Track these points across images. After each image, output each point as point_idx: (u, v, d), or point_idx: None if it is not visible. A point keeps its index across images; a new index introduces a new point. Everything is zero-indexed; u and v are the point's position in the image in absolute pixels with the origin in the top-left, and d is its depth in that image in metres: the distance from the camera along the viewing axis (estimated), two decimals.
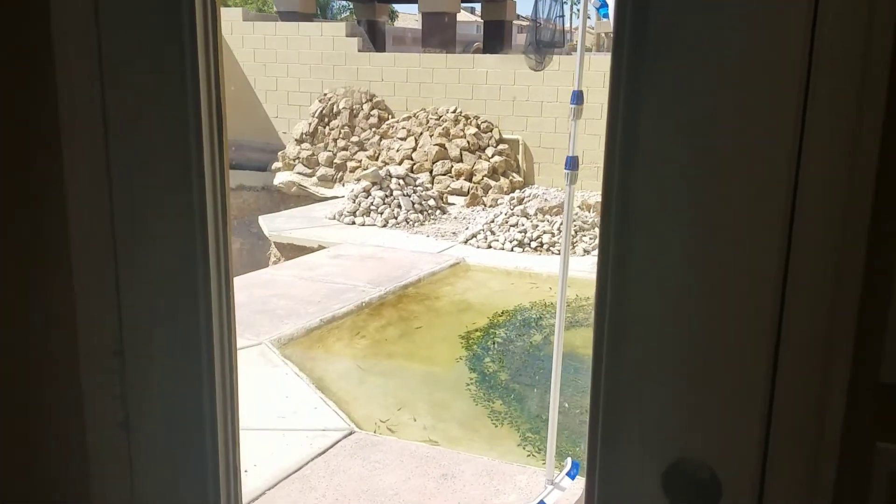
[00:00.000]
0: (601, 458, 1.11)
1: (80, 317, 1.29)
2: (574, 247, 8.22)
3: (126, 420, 1.37)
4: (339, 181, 12.54)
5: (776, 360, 0.97)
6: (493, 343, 5.81)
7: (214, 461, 1.36)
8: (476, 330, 6.08)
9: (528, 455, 4.30)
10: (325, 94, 13.16)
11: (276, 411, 4.53)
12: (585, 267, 7.62)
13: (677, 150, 0.94)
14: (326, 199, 11.75)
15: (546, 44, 3.08)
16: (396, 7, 29.23)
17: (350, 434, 4.29)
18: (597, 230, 8.61)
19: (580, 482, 3.76)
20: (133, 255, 1.24)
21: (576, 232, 8.40)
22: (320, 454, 4.09)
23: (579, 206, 9.47)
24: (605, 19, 3.65)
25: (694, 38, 0.90)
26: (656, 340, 1.03)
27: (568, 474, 3.63)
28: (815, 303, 0.93)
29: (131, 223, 1.22)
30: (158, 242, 1.23)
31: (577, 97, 3.22)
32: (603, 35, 19.30)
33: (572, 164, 3.29)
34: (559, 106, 12.02)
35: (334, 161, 12.68)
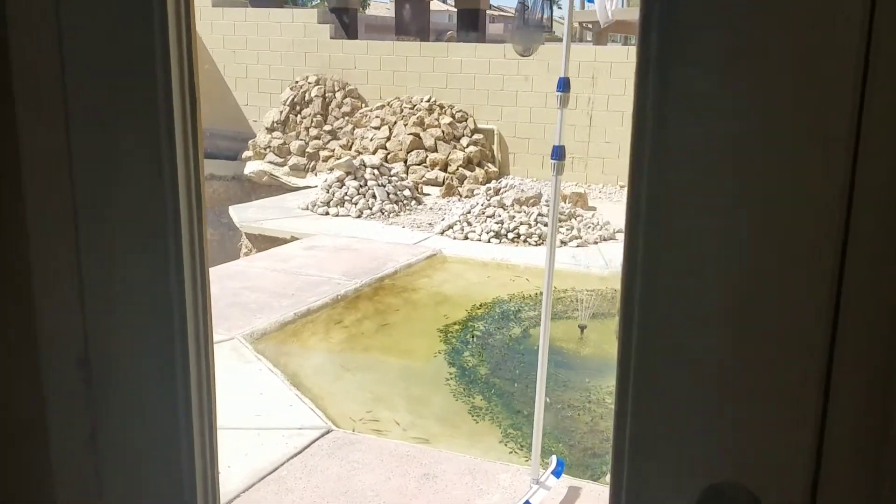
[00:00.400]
0: (628, 481, 1.00)
1: (39, 322, 1.15)
2: None
3: (93, 434, 1.24)
4: (312, 171, 12.34)
5: (829, 374, 0.86)
6: (472, 336, 5.71)
7: (191, 475, 1.23)
8: (454, 323, 5.97)
9: (511, 452, 4.21)
10: (297, 82, 12.93)
11: (249, 409, 4.38)
12: (562, 258, 7.55)
13: (716, 144, 0.82)
14: (298, 188, 11.54)
15: (535, 29, 2.96)
16: None
17: (327, 433, 4.16)
18: (573, 221, 8.55)
19: (566, 480, 3.68)
20: (98, 251, 1.10)
21: None
22: (297, 454, 3.96)
23: None
24: (590, 4, 3.54)
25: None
26: (692, 350, 0.92)
27: (553, 473, 3.54)
28: (874, 312, 0.83)
29: (95, 217, 1.08)
30: (126, 237, 1.10)
31: (564, 84, 3.11)
32: (577, 25, 19.27)
33: (559, 153, 3.18)
34: (534, 95, 11.93)
35: (306, 150, 12.47)
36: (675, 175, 0.85)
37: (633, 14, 14.77)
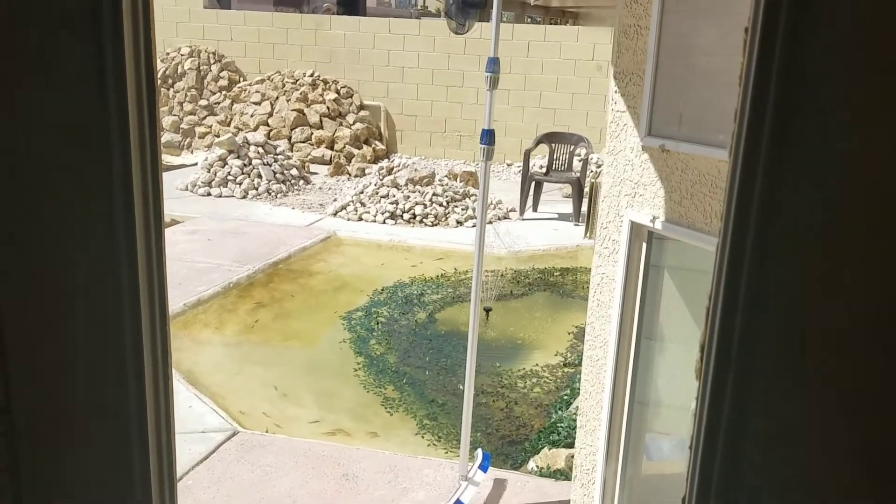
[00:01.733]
0: None
1: None
2: (447, 218, 8.04)
3: (19, 497, 0.99)
4: (188, 148, 11.64)
5: None
6: (377, 323, 5.51)
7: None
8: (357, 309, 5.75)
9: (429, 445, 4.07)
10: (168, 54, 12.13)
11: None
12: (461, 239, 7.47)
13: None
14: (174, 167, 10.85)
15: (471, 4, 2.78)
16: None
17: (233, 435, 3.87)
18: (467, 201, 8.48)
19: (493, 473, 3.58)
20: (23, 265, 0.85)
21: (447, 203, 8.22)
22: (202, 461, 3.66)
23: (446, 176, 9.29)
24: None
25: None
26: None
27: (480, 467, 3.43)
28: None
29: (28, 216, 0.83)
30: (70, 244, 0.85)
31: (493, 64, 2.95)
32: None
33: (488, 137, 3.03)
34: (420, 72, 11.75)
35: (181, 126, 11.74)
36: None
37: None
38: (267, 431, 4.00)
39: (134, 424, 0.94)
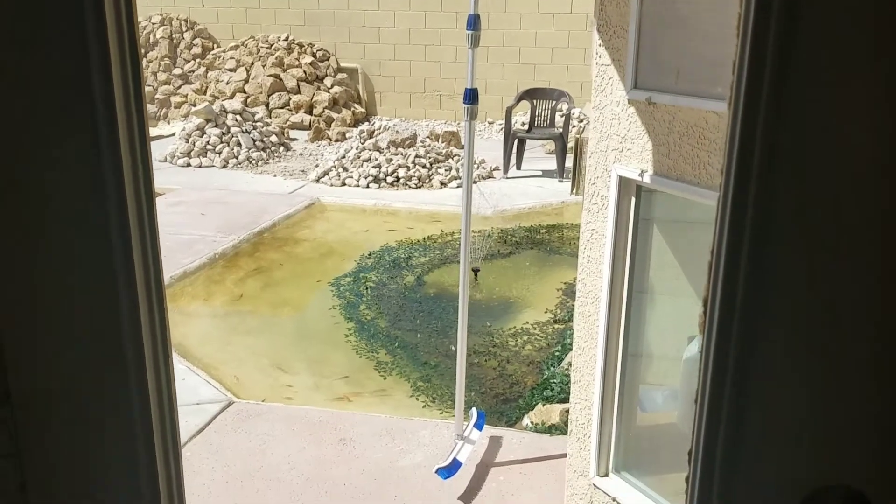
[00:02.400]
0: (721, 481, 0.87)
1: None
2: (430, 180, 7.99)
3: (24, 484, 0.98)
4: (164, 118, 11.47)
5: None
6: (366, 288, 5.51)
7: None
8: (345, 275, 5.74)
9: (424, 406, 4.10)
10: (139, 23, 11.84)
11: None
12: (445, 200, 7.44)
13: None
14: (151, 138, 10.69)
15: None
16: None
17: (229, 405, 3.88)
18: (451, 161, 8.43)
19: (488, 431, 3.62)
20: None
21: (431, 164, 8.17)
22: (199, 432, 3.67)
23: (428, 137, 9.22)
24: None
25: None
26: (801, 346, 0.79)
27: (475, 426, 3.46)
28: None
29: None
30: (56, 231, 0.84)
31: (473, 22, 2.91)
32: None
33: (471, 96, 3.00)
34: (397, 32, 11.57)
35: (156, 97, 11.55)
36: None
37: None
38: (263, 401, 4.01)
39: (135, 403, 0.93)
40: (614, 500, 2.64)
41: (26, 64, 0.77)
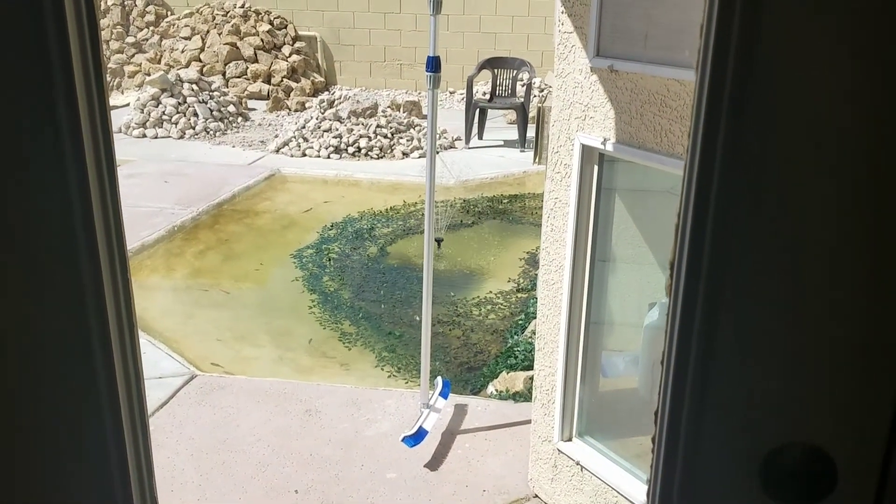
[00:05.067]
0: (686, 441, 0.89)
1: None
2: (392, 150, 7.94)
3: None
4: (118, 88, 11.17)
5: None
6: (329, 260, 5.48)
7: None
8: (307, 247, 5.70)
9: (389, 376, 4.12)
10: None
11: None
12: (407, 171, 7.41)
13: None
14: None
15: None
16: None
17: (191, 379, 3.85)
18: (412, 131, 8.37)
19: (454, 400, 3.65)
20: None
21: (392, 134, 8.11)
22: (162, 406, 3.64)
23: (389, 107, 9.14)
24: None
25: None
26: (764, 296, 0.81)
27: (441, 394, 3.49)
28: None
29: None
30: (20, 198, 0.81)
31: None
32: None
33: (434, 64, 2.97)
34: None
35: (109, 66, 11.23)
36: None
37: None
38: (226, 373, 3.98)
39: (101, 378, 0.92)
40: (578, 463, 2.69)
41: None
